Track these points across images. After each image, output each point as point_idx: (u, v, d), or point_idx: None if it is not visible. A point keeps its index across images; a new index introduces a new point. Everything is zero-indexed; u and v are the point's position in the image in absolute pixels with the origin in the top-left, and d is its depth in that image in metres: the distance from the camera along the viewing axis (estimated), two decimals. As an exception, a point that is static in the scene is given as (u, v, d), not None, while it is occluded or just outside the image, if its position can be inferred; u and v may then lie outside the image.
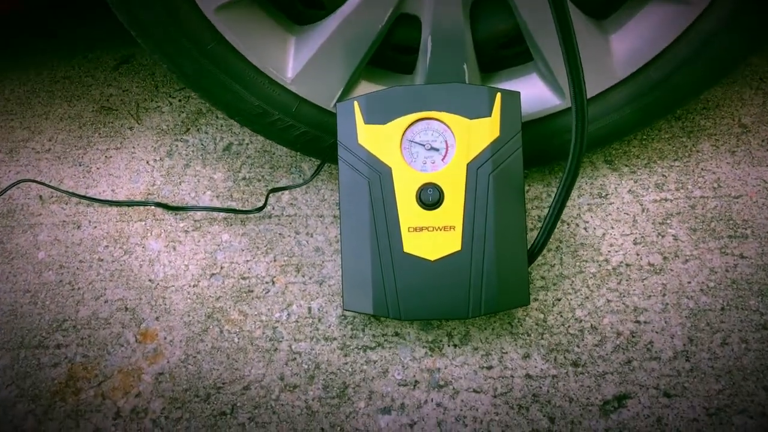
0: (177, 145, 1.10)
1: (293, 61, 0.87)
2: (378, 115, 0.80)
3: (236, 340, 0.87)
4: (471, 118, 0.79)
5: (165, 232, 0.98)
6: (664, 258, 0.90)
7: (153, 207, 1.01)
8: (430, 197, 0.78)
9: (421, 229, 0.78)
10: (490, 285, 0.77)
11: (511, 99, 0.79)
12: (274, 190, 0.97)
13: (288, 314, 0.89)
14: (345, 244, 0.80)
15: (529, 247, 0.80)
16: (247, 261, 0.94)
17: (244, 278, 0.92)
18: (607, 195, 0.97)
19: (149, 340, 0.88)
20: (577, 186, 0.98)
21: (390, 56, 0.91)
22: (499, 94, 0.79)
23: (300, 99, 0.89)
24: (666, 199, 0.96)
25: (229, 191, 1.03)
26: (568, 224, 0.94)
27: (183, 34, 0.83)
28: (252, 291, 0.91)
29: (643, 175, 0.99)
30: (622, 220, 0.94)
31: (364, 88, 0.90)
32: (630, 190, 0.97)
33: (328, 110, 0.90)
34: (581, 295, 0.88)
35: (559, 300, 0.87)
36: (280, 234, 0.97)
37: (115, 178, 1.06)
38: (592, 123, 0.90)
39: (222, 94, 0.88)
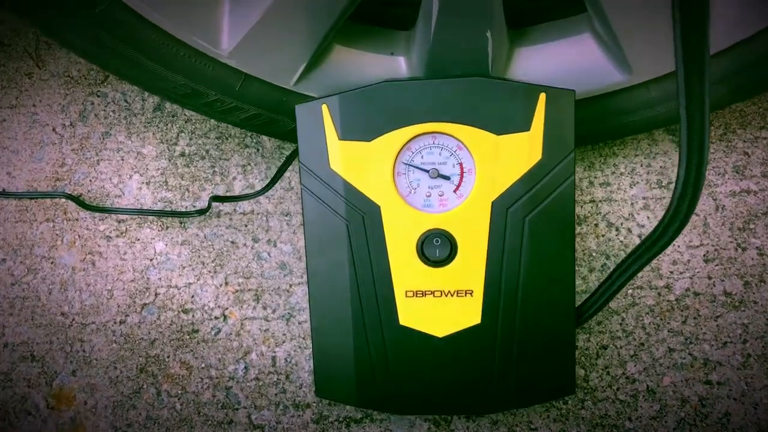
0: (92, 102, 0.82)
1: (230, 26, 0.58)
2: (359, 126, 0.53)
3: (178, 407, 0.66)
4: (499, 133, 0.52)
5: (80, 238, 0.74)
6: (746, 284, 0.68)
7: (64, 200, 0.76)
8: (437, 250, 0.53)
9: (425, 293, 0.54)
10: (522, 371, 0.55)
11: (562, 102, 0.52)
12: (218, 198, 0.71)
13: (245, 367, 0.67)
14: (315, 311, 0.56)
15: (577, 305, 0.57)
16: (190, 284, 0.71)
17: (185, 311, 0.70)
18: (668, 183, 0.72)
19: (65, 405, 0.67)
20: (629, 168, 0.73)
21: (377, 9, 0.62)
22: (542, 96, 0.52)
23: (244, 75, 0.61)
24: (748, 191, 0.72)
25: (163, 175, 0.77)
26: (617, 229, 0.70)
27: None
28: (197, 331, 0.69)
29: (718, 152, 0.73)
30: (689, 224, 0.70)
31: (339, 55, 0.61)
32: (700, 177, 0.72)
33: (287, 89, 0.62)
34: (635, 340, 0.66)
35: (606, 348, 0.66)
36: (232, 242, 0.72)
37: (12, 153, 0.79)
38: (668, 102, 0.63)
39: (131, 72, 0.60)
